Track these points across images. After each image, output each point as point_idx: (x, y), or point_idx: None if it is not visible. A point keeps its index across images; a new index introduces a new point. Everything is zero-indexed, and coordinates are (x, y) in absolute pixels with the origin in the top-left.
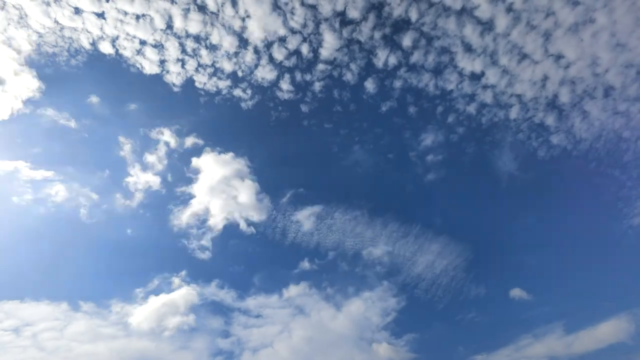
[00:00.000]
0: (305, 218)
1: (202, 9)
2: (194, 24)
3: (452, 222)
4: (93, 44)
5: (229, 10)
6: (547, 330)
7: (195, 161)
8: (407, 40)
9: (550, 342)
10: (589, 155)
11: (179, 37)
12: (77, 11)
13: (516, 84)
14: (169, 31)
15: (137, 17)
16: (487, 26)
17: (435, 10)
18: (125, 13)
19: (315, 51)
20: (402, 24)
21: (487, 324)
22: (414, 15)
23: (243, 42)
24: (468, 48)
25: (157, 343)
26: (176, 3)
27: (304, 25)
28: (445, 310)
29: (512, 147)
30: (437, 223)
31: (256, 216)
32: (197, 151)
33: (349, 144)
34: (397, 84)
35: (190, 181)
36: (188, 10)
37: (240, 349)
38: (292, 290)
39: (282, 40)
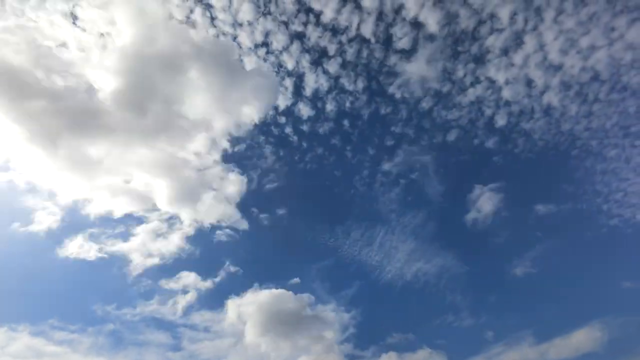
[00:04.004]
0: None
1: None
2: None
3: (416, 232)
4: None
5: None
6: (518, 339)
7: None
8: (333, 67)
9: (522, 351)
10: (540, 172)
11: None
12: None
13: (453, 109)
14: None
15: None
16: (410, 54)
17: (357, 41)
18: None
19: None
20: (323, 54)
21: (460, 332)
22: (333, 47)
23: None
24: (395, 75)
25: (108, 359)
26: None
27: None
28: (416, 317)
29: (455, 166)
30: (401, 232)
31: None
32: None
33: (292, 163)
34: (330, 107)
35: None
36: None
37: None
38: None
39: None
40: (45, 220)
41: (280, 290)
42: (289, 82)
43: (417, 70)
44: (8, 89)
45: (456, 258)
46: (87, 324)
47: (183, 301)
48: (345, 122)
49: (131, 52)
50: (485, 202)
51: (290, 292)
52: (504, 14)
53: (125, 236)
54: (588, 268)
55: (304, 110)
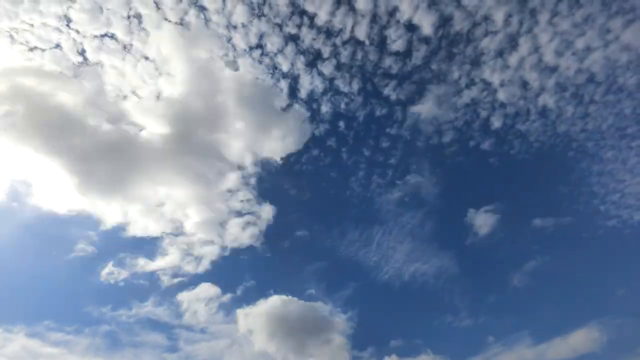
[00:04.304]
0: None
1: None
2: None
3: (414, 233)
4: None
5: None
6: (516, 339)
7: None
8: (328, 69)
9: (520, 351)
10: (536, 174)
11: None
12: None
13: (448, 111)
14: None
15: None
16: (405, 55)
17: (352, 43)
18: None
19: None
20: (318, 56)
21: (459, 333)
22: (327, 49)
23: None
24: (390, 76)
25: (105, 359)
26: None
27: (225, 55)
28: (414, 318)
29: (451, 167)
30: (399, 233)
31: None
32: None
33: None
34: (325, 108)
35: None
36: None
37: None
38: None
39: None
40: (85, 248)
41: (288, 297)
42: (284, 84)
43: (428, 110)
44: (55, 125)
45: (453, 259)
46: (84, 325)
47: (199, 309)
48: (341, 124)
49: (175, 98)
50: (481, 203)
51: (296, 298)
52: (499, 16)
53: (154, 256)
54: (586, 269)
55: (300, 112)
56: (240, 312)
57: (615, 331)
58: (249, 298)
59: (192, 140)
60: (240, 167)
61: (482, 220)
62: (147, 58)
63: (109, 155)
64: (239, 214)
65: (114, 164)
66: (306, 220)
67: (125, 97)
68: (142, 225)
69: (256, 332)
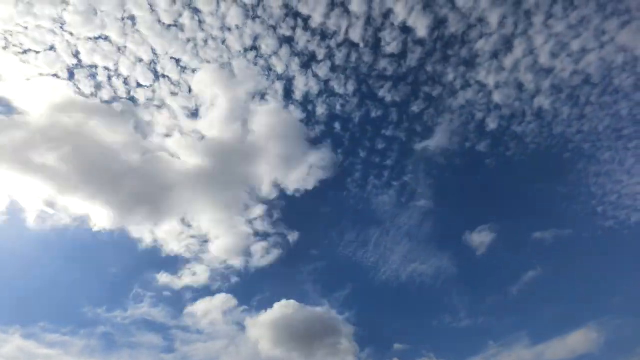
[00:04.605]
0: None
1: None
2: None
3: (411, 234)
4: None
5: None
6: (514, 340)
7: None
8: (323, 70)
9: (518, 352)
10: (533, 175)
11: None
12: None
13: (444, 113)
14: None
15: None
16: (400, 57)
17: (346, 45)
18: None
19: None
20: (313, 58)
21: (457, 334)
22: (322, 51)
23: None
24: (385, 78)
25: None
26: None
27: (220, 57)
28: (413, 318)
29: (447, 169)
30: (396, 234)
31: None
32: None
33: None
34: (320, 110)
35: None
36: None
37: None
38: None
39: (194, 71)
40: (115, 271)
41: (289, 302)
42: (279, 86)
43: (437, 144)
44: (94, 156)
45: (452, 260)
46: (79, 327)
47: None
48: (337, 125)
49: (209, 133)
50: (477, 204)
51: (295, 301)
52: (494, 18)
53: (179, 275)
54: (584, 270)
55: (295, 114)
56: (248, 320)
57: (613, 332)
58: (255, 304)
59: (221, 171)
60: (265, 199)
61: (480, 230)
62: (141, 60)
63: (144, 182)
64: (259, 235)
65: (147, 190)
66: (317, 234)
67: (164, 132)
68: (170, 247)
69: (262, 337)
